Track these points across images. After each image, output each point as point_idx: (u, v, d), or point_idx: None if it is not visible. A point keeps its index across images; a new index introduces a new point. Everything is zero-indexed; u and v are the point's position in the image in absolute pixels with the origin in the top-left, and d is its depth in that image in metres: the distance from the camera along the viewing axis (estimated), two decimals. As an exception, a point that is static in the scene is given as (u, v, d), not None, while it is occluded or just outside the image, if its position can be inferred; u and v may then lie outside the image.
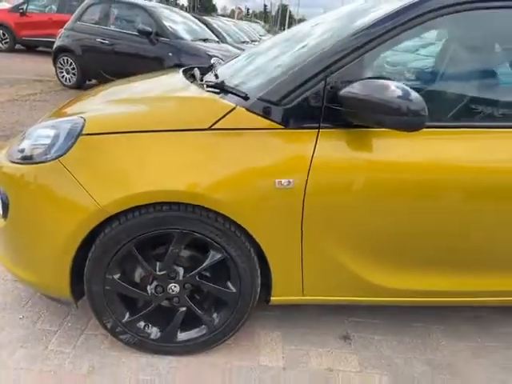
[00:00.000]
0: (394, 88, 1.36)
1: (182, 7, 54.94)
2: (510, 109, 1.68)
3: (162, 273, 1.61)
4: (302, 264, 1.65)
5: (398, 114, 1.35)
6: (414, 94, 1.35)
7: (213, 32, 8.53)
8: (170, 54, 6.43)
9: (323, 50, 1.55)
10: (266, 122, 1.50)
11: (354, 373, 1.78)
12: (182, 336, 1.72)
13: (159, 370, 1.68)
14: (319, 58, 1.53)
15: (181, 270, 1.64)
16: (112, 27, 7.18)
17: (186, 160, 1.47)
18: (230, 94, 1.63)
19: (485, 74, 1.72)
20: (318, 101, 1.51)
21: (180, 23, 7.24)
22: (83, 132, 1.49)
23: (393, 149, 1.52)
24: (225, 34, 9.45)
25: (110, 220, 1.49)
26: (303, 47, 1.72)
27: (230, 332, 1.73)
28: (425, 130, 1.43)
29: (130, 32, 6.83)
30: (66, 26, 7.48)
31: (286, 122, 1.51)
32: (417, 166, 1.53)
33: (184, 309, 1.69)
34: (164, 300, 1.67)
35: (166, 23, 6.85)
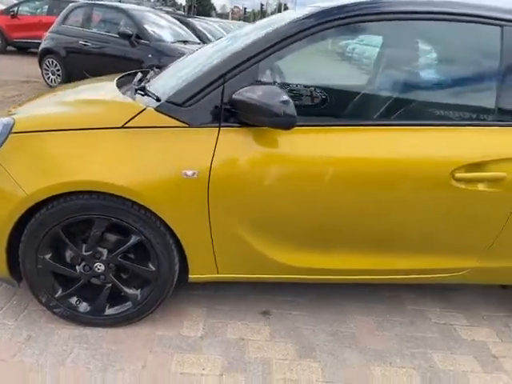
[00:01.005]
0: (273, 93, 1.61)
1: (179, 7, 55.18)
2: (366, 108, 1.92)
3: (88, 253, 1.86)
4: (213, 245, 1.89)
5: (275, 115, 1.59)
6: (288, 99, 1.60)
7: (195, 33, 8.76)
8: (150, 56, 6.66)
9: (223, 58, 1.79)
10: (172, 121, 1.75)
11: (263, 341, 2.01)
12: (110, 310, 1.96)
13: (88, 339, 1.92)
14: (218, 66, 1.77)
15: (105, 251, 1.87)
16: (94, 30, 7.42)
17: (102, 154, 1.72)
18: (147, 97, 1.88)
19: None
20: (218, 103, 1.75)
21: (161, 25, 7.47)
22: (13, 130, 1.73)
23: (281, 143, 1.76)
24: (209, 35, 9.68)
25: (38, 207, 1.73)
26: (212, 55, 1.96)
27: (152, 307, 1.97)
28: (303, 128, 1.68)
29: (112, 34, 7.06)
30: (50, 28, 7.73)
31: (189, 121, 1.75)
32: (302, 157, 1.78)
33: (110, 285, 1.92)
34: (91, 278, 1.91)
35: (147, 26, 7.09)
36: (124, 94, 2.02)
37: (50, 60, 7.66)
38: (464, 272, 2.10)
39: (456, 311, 2.38)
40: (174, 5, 60.71)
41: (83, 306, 1.93)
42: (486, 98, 1.96)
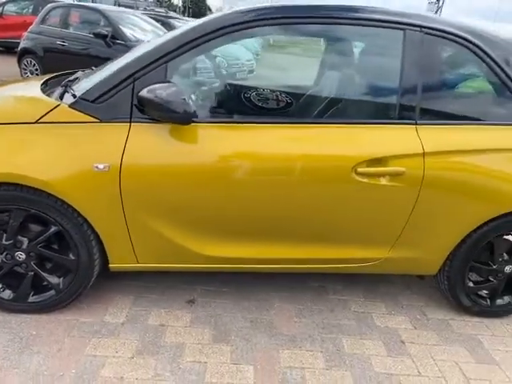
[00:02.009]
0: (174, 92, 1.73)
1: (175, 8, 55.15)
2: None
3: (9, 243, 1.96)
4: (130, 236, 1.99)
5: (174, 112, 1.71)
6: (184, 96, 1.71)
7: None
8: (125, 56, 6.75)
9: (135, 57, 1.90)
10: (84, 117, 1.85)
11: (182, 327, 2.12)
12: (33, 297, 2.06)
13: (11, 324, 2.02)
14: (129, 65, 1.88)
15: (26, 241, 1.98)
16: (72, 30, 7.51)
17: (16, 148, 1.82)
18: (67, 94, 1.98)
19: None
20: (129, 100, 1.86)
21: (137, 26, 7.57)
22: None
23: (190, 138, 1.87)
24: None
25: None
26: (130, 55, 2.07)
27: (74, 295, 2.07)
28: (210, 124, 1.86)
29: (89, 35, 7.16)
30: (29, 29, 7.82)
31: (101, 117, 1.86)
32: (209, 152, 1.89)
33: (32, 274, 2.03)
34: (14, 266, 2.01)
35: (122, 27, 7.19)
36: (49, 91, 2.12)
37: (29, 60, 7.75)
38: (377, 262, 2.22)
39: (378, 301, 2.49)
40: (170, 6, 60.70)
41: (7, 293, 2.03)
42: (389, 98, 2.08)
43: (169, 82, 1.81)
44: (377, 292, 2.57)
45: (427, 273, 2.34)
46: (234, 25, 1.88)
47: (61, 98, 2.01)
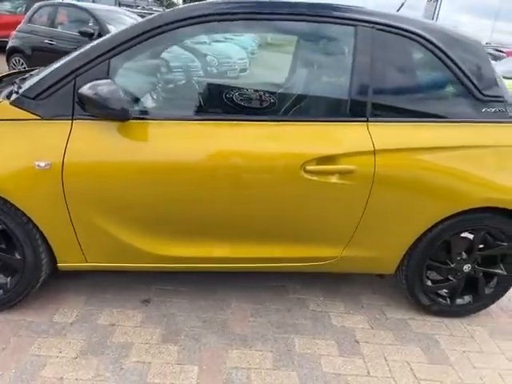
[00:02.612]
0: (110, 88, 1.70)
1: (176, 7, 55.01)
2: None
3: (-47, 242, 1.94)
4: (76, 235, 1.97)
5: (110, 109, 1.69)
6: (121, 94, 1.69)
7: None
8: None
9: (77, 54, 1.88)
10: (25, 114, 1.83)
11: (132, 327, 2.10)
12: (-19, 296, 2.04)
13: (-44, 324, 2.00)
14: (71, 61, 1.86)
15: (-31, 240, 1.96)
16: (59, 29, 7.50)
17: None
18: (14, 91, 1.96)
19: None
20: (70, 97, 1.84)
21: (124, 24, 7.52)
22: None
23: (131, 135, 1.85)
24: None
25: None
26: (75, 52, 2.04)
27: (22, 294, 2.05)
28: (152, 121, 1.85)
29: (75, 33, 7.14)
30: (18, 27, 7.81)
31: (42, 114, 1.83)
32: (149, 149, 1.86)
33: (-22, 272, 2.01)
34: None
35: (110, 25, 7.17)
36: (0, 89, 2.09)
37: (17, 58, 7.75)
38: (332, 261, 2.19)
39: (338, 300, 2.46)
40: (171, 5, 60.69)
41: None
42: (340, 95, 2.05)
43: (108, 78, 1.79)
44: (338, 291, 2.54)
45: (385, 271, 2.31)
46: (171, 23, 1.86)
47: (9, 96, 1.98)
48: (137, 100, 2.04)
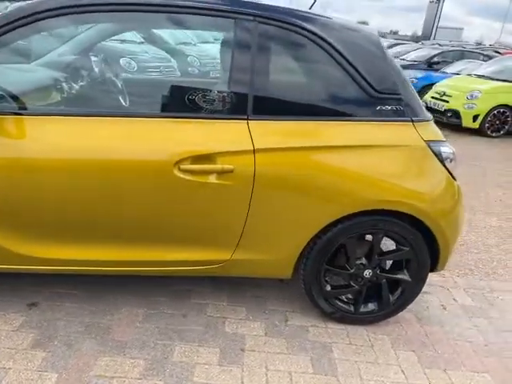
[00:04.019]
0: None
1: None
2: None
3: None
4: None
5: None
6: None
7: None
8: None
9: None
10: None
11: (6, 331, 2.02)
12: None
13: None
14: None
15: None
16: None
17: None
18: None
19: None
20: None
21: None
22: None
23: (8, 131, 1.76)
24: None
25: None
26: None
27: None
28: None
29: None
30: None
31: None
32: (19, 147, 1.78)
33: None
34: None
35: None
36: None
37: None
38: (223, 264, 2.10)
39: (241, 305, 2.37)
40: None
41: None
42: (220, 91, 1.96)
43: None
44: (244, 296, 2.44)
45: (280, 276, 2.21)
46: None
47: None
48: (12, 96, 1.95)
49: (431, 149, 2.04)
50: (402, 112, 2.02)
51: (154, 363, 1.91)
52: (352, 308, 2.26)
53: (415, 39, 23.16)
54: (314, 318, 2.31)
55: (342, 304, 2.26)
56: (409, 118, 2.03)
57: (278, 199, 1.94)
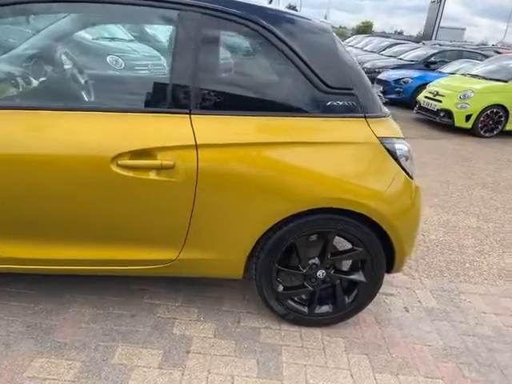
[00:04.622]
0: None
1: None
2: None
3: None
4: None
5: None
6: None
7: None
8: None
9: None
10: None
11: None
12: None
13: None
14: None
15: None
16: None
17: None
18: None
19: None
20: None
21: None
22: None
23: None
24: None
25: None
26: None
27: None
28: None
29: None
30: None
31: None
32: None
33: None
34: None
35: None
36: None
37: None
38: (170, 264, 2.03)
39: (196, 305, 2.31)
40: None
41: None
42: (161, 84, 1.90)
43: None
44: (202, 296, 2.38)
45: (231, 276, 2.15)
46: None
47: None
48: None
49: (384, 146, 1.96)
50: (355, 108, 1.95)
51: (92, 365, 1.84)
52: (306, 310, 2.19)
53: (418, 39, 23.00)
54: (268, 320, 2.24)
55: (295, 305, 2.19)
56: (361, 114, 1.96)
57: (223, 197, 1.88)
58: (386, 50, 15.67)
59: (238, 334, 2.13)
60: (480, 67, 8.64)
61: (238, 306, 2.34)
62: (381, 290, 2.51)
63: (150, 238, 1.96)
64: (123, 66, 1.89)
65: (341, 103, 1.94)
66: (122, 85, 1.90)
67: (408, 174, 2.03)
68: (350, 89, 1.94)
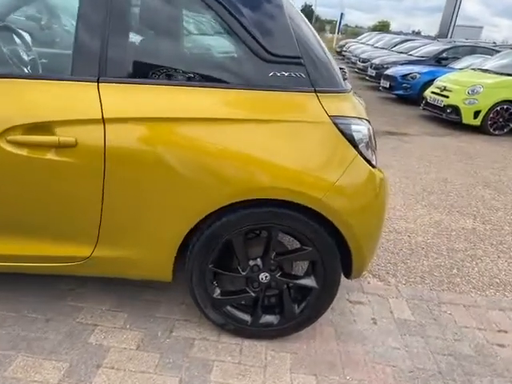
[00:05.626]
0: None
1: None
2: None
3: None
4: None
5: None
6: None
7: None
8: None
9: None
10: None
11: None
12: None
13: None
14: None
15: None
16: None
17: None
18: None
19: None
20: None
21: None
22: None
23: None
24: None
25: None
26: None
27: None
28: None
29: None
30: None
31: None
32: None
33: None
34: None
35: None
36: None
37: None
38: (82, 262, 1.73)
39: (126, 310, 2.00)
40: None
41: None
42: (62, 47, 1.58)
43: None
44: (138, 300, 2.09)
45: (158, 278, 1.83)
46: None
47: None
48: None
49: (338, 127, 1.61)
50: (303, 80, 1.61)
51: (-25, 379, 1.53)
52: (249, 319, 1.85)
53: (435, 39, 22.40)
54: (207, 330, 1.92)
55: (236, 313, 1.85)
56: (311, 88, 1.61)
57: (139, 184, 1.56)
58: (397, 47, 15.21)
59: (166, 345, 1.81)
60: (491, 61, 8.16)
61: (174, 312, 2.01)
62: (348, 298, 2.19)
63: (59, 230, 1.66)
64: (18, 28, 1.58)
65: (286, 74, 1.60)
66: (17, 48, 1.59)
67: (369, 162, 1.68)
68: (298, 57, 1.60)
